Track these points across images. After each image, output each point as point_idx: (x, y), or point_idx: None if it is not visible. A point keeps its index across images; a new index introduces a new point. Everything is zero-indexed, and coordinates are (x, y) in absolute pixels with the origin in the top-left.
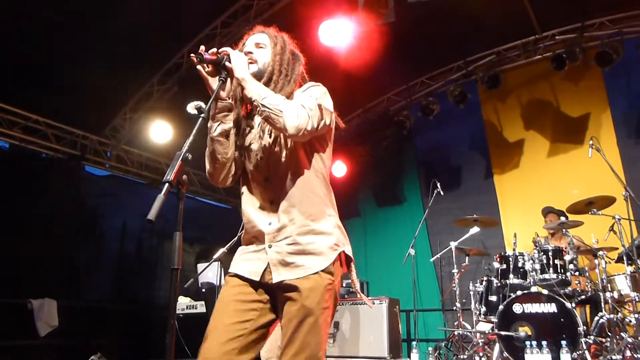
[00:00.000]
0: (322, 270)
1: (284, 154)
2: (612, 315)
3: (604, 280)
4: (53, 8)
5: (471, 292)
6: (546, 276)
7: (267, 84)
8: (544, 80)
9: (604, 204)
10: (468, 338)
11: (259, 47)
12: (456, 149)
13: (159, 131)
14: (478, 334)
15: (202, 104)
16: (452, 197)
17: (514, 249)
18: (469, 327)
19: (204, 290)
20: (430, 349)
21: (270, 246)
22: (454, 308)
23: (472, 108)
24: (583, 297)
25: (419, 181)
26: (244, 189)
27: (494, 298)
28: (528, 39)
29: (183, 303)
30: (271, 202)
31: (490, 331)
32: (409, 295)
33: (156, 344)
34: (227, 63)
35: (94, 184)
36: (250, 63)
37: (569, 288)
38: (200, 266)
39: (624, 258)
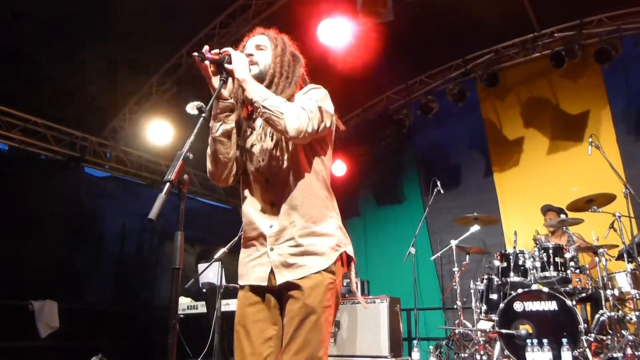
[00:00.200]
0: (323, 270)
1: (285, 157)
2: (612, 313)
3: (605, 278)
4: (52, 8)
5: (472, 291)
6: (547, 274)
7: (268, 86)
8: (543, 78)
9: (604, 202)
10: (469, 336)
11: (260, 49)
12: (456, 147)
13: (159, 132)
14: (479, 332)
15: (202, 104)
16: (452, 195)
17: (514, 247)
18: (469, 325)
19: (204, 290)
20: (431, 347)
21: (272, 249)
22: (455, 306)
23: (471, 106)
24: (584, 294)
25: (418, 180)
26: (246, 192)
27: (494, 296)
28: (527, 36)
29: (184, 303)
30: (272, 204)
31: (491, 329)
32: (409, 294)
33: (157, 344)
34: (227, 65)
35: (94, 185)
36: (251, 65)
37: (570, 286)
38: (201, 266)
39: (625, 255)
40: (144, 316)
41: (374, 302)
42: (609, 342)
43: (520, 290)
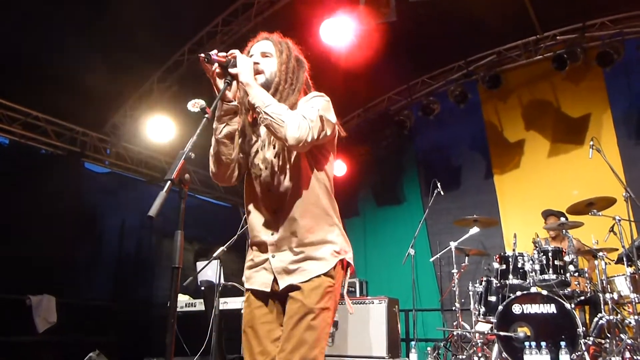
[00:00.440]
0: (323, 274)
1: (287, 167)
2: (611, 317)
3: (604, 282)
4: (53, 4)
5: (470, 292)
6: (546, 277)
7: (273, 94)
8: (545, 80)
9: (604, 205)
10: (467, 338)
11: (265, 57)
12: (456, 148)
13: (159, 129)
14: (477, 334)
15: (203, 102)
16: (452, 197)
17: (513, 250)
18: (468, 327)
19: (202, 288)
20: (429, 349)
21: (273, 256)
22: (453, 308)
23: (472, 108)
24: (582, 298)
25: (419, 181)
26: (249, 194)
27: (493, 298)
28: (529, 39)
29: (182, 301)
30: (274, 212)
31: (490, 331)
32: (408, 295)
33: (154, 341)
34: (230, 70)
35: (94, 181)
36: (257, 74)
37: (569, 289)
38: (200, 264)
39: (624, 259)
40: (142, 313)
41: (373, 303)
42: (607, 345)
43: (519, 293)
